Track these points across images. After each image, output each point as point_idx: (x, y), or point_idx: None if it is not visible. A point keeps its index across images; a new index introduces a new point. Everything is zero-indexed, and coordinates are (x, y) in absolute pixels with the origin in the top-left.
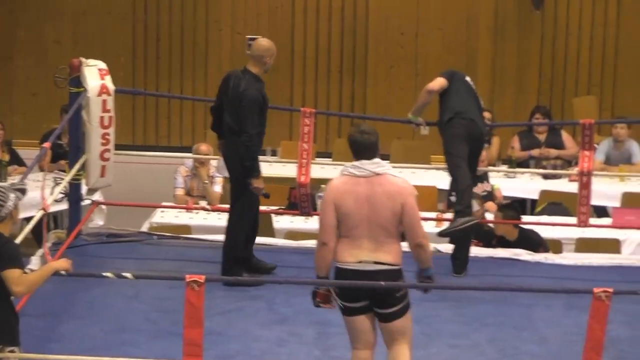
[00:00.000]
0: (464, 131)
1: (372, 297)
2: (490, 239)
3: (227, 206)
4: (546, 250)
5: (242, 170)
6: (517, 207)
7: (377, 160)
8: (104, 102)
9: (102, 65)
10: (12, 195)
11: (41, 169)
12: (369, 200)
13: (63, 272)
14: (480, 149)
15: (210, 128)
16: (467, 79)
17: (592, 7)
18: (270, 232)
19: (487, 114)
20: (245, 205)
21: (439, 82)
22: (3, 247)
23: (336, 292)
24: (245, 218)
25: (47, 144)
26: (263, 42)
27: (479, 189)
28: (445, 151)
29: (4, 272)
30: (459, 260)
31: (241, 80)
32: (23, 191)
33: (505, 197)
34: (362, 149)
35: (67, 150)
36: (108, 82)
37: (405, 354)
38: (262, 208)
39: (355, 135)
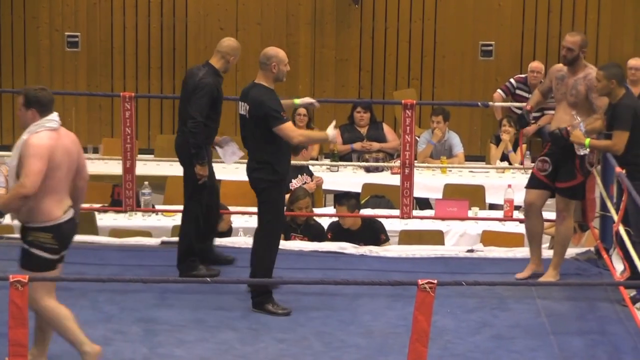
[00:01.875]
0: None
1: None
2: (319, 234)
3: None
4: (387, 238)
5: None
6: (356, 196)
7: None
8: None
9: None
10: None
11: None
12: (70, 150)
13: None
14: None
15: None
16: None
17: (409, 2)
18: (94, 230)
19: (302, 110)
20: (195, 197)
21: None
22: None
23: (52, 249)
24: (197, 210)
25: None
26: (232, 41)
27: (299, 181)
28: None
29: None
30: None
31: (200, 70)
32: None
33: (328, 191)
34: (50, 103)
35: None
36: None
37: None
38: (84, 206)
39: (38, 92)
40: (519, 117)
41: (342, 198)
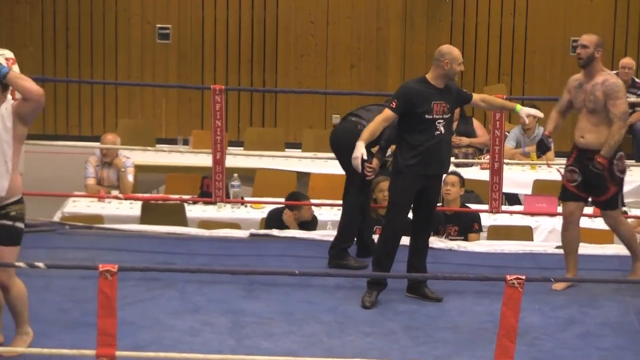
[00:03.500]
0: None
1: None
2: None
3: (139, 195)
4: (480, 228)
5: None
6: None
7: None
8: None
9: (10, 54)
10: None
11: None
12: None
13: None
14: None
15: None
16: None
17: None
18: (183, 221)
19: None
20: (361, 188)
21: None
22: None
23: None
24: (360, 200)
25: None
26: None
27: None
28: None
29: None
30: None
31: None
32: None
33: None
34: None
35: None
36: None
37: None
38: (174, 196)
39: None
40: (538, 144)
41: (454, 171)
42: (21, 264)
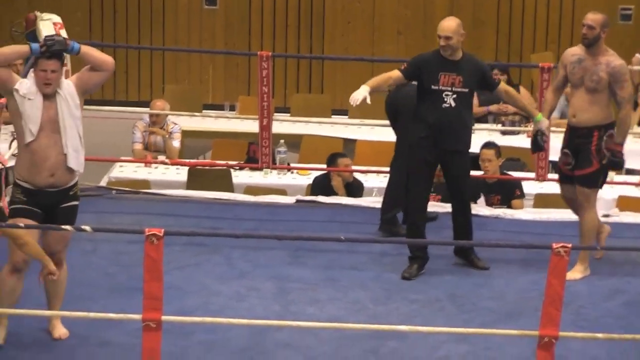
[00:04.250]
0: None
1: None
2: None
3: (185, 160)
4: (522, 194)
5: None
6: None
7: None
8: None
9: (57, 18)
10: None
11: None
12: None
13: None
14: None
15: None
16: None
17: None
18: (229, 187)
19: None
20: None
21: None
22: None
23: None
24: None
25: (2, 100)
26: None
27: None
28: None
29: None
30: None
31: None
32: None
33: None
34: None
35: None
36: (63, 35)
37: None
38: (220, 162)
39: None
40: (533, 142)
41: (489, 143)
42: (68, 227)
